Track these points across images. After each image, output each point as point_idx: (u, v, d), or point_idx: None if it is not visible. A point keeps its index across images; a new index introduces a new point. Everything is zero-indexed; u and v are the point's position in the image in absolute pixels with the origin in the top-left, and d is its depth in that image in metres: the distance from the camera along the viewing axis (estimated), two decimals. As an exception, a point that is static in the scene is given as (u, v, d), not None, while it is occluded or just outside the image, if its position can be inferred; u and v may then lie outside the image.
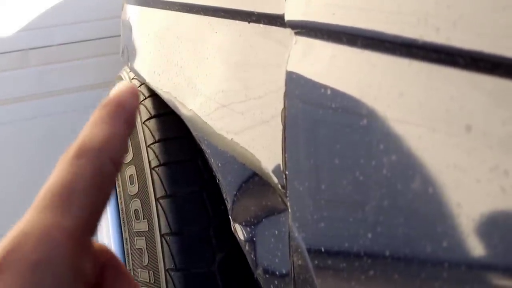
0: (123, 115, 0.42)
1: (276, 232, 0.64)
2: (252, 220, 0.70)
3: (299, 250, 0.56)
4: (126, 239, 1.10)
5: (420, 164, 0.38)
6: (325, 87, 0.49)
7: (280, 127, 0.58)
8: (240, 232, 0.73)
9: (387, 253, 0.42)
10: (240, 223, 0.73)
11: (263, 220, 0.67)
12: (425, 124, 0.38)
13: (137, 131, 1.08)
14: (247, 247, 0.71)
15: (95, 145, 0.39)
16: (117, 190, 1.15)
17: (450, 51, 0.35)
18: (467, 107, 0.35)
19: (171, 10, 0.93)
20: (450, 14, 0.35)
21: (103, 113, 0.42)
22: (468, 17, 0.34)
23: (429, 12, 0.37)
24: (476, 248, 0.34)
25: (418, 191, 0.38)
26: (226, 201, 0.76)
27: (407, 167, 0.39)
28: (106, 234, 1.18)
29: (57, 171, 0.39)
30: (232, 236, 0.76)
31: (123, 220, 1.11)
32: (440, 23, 0.36)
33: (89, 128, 0.41)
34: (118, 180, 1.14)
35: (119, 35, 1.35)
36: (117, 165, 0.40)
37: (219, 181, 0.78)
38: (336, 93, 0.48)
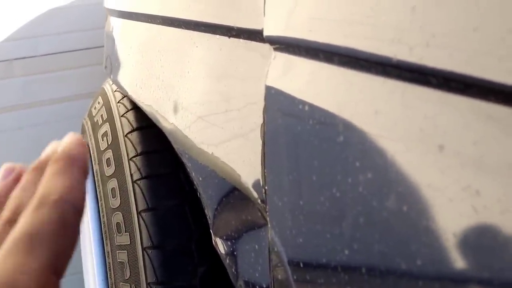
0: (76, 165, 0.43)
1: (257, 246, 0.64)
2: (232, 234, 0.70)
3: (278, 264, 0.56)
4: (108, 252, 1.09)
5: (395, 182, 0.38)
6: (303, 103, 0.49)
7: (260, 141, 0.58)
8: (220, 246, 0.73)
9: (363, 269, 0.43)
10: (220, 237, 0.73)
11: (244, 234, 0.67)
12: (400, 142, 0.38)
13: (119, 144, 1.08)
14: (228, 261, 0.71)
15: (54, 195, 0.40)
16: (99, 203, 1.15)
17: (423, 71, 0.35)
18: (440, 126, 0.35)
19: (153, 23, 0.93)
20: (423, 34, 0.35)
21: (57, 167, 0.43)
22: (440, 37, 0.34)
23: (403, 31, 0.37)
24: (449, 266, 0.34)
25: (393, 209, 0.38)
26: (207, 215, 0.76)
27: (382, 185, 0.40)
28: (88, 247, 1.17)
29: (21, 223, 0.39)
30: (214, 249, 0.76)
31: (105, 233, 1.10)
32: (414, 42, 0.36)
33: (46, 182, 0.42)
34: (100, 193, 1.14)
35: (104, 46, 1.34)
36: (79, 211, 0.41)
37: (200, 195, 0.78)
38: (313, 110, 0.48)
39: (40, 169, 0.45)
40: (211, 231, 0.76)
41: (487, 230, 0.31)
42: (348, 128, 0.43)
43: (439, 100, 0.35)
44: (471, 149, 0.32)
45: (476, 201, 0.32)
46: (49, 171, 0.43)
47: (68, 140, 0.46)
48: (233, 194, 0.68)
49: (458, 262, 0.33)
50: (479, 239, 0.32)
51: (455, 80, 0.33)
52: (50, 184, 0.41)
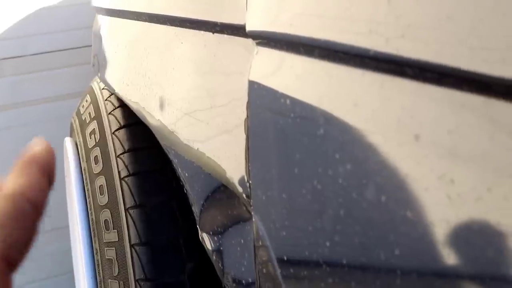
0: (35, 165, 0.42)
1: (242, 241, 0.64)
2: (218, 229, 0.70)
3: (263, 259, 0.57)
4: (96, 249, 1.09)
5: (374, 173, 0.39)
6: (285, 97, 0.49)
7: (244, 136, 0.58)
8: (207, 242, 0.73)
9: (344, 261, 0.43)
10: (207, 233, 0.73)
11: (229, 229, 0.68)
12: (378, 133, 0.38)
13: (107, 141, 1.08)
14: (214, 257, 0.71)
15: (11, 190, 0.40)
16: (87, 200, 1.15)
17: (399, 62, 0.36)
18: (417, 116, 0.35)
19: (139, 20, 0.93)
20: (398, 25, 0.35)
21: (15, 168, 0.42)
22: (415, 28, 0.34)
23: (379, 22, 0.37)
24: (426, 255, 0.34)
25: (372, 200, 0.39)
26: (193, 211, 0.76)
27: (361, 176, 0.40)
28: (78, 245, 1.17)
29: None
30: (202, 245, 0.76)
31: (93, 230, 1.11)
32: (389, 33, 0.36)
33: (7, 179, 0.41)
34: (88, 190, 1.14)
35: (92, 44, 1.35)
36: (36, 208, 0.40)
37: (187, 191, 0.78)
38: (295, 104, 0.48)
39: None
40: (197, 226, 0.76)
41: (462, 218, 0.32)
42: (328, 121, 0.44)
43: (415, 90, 0.35)
44: (446, 138, 0.33)
45: (450, 190, 0.32)
46: (10, 173, 0.43)
47: (32, 144, 0.45)
48: (219, 189, 0.68)
49: (435, 251, 0.34)
50: (454, 228, 0.32)
51: (430, 70, 0.34)
52: (8, 181, 0.41)
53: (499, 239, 0.29)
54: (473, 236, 0.31)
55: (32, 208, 0.39)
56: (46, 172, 0.43)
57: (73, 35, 2.15)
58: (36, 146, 0.45)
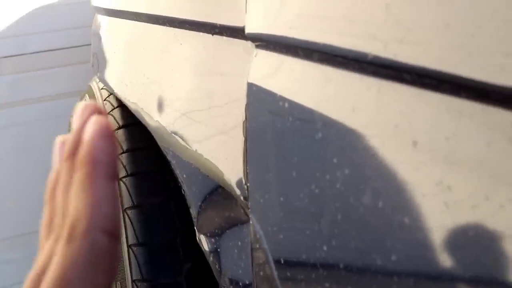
0: (102, 172, 0.41)
1: (239, 243, 0.64)
2: (216, 231, 0.70)
3: (261, 261, 0.57)
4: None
5: (371, 178, 0.39)
6: (284, 100, 0.49)
7: (242, 138, 0.58)
8: (204, 243, 0.73)
9: (341, 265, 0.43)
10: (204, 234, 0.73)
11: (227, 231, 0.68)
12: (376, 139, 0.38)
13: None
14: (211, 258, 0.71)
15: (83, 225, 0.39)
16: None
17: (398, 67, 0.36)
18: (414, 122, 0.35)
19: (138, 21, 0.93)
20: (397, 30, 0.35)
21: (82, 178, 0.41)
22: (413, 34, 0.34)
23: (378, 28, 0.37)
24: (423, 261, 0.34)
25: (369, 205, 0.39)
26: (191, 212, 0.76)
27: (359, 181, 0.40)
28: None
29: (53, 263, 0.39)
30: (199, 246, 0.76)
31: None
32: (388, 39, 0.36)
33: (75, 199, 0.40)
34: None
35: (91, 44, 1.35)
36: (111, 233, 0.39)
37: (184, 192, 0.78)
38: (293, 107, 0.48)
39: (71, 159, 0.43)
40: (195, 227, 0.76)
41: (459, 225, 0.32)
42: (326, 125, 0.44)
43: (413, 96, 0.35)
44: (443, 144, 0.33)
45: (447, 196, 0.32)
46: (76, 181, 0.41)
47: (92, 132, 0.42)
48: (217, 191, 0.68)
49: (432, 257, 0.34)
50: (451, 234, 0.32)
51: (428, 76, 0.34)
52: (77, 204, 0.40)
53: (495, 246, 0.29)
54: (469, 242, 0.31)
55: (106, 236, 0.39)
56: (112, 176, 0.41)
57: (72, 33, 2.15)
58: (95, 135, 0.42)
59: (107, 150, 0.41)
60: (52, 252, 0.39)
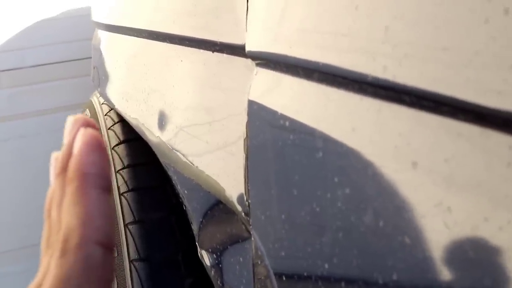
0: (93, 185, 0.41)
1: (241, 259, 0.64)
2: (217, 247, 0.71)
3: (262, 277, 0.57)
4: (95, 264, 1.09)
5: (372, 198, 0.39)
6: (284, 118, 0.50)
7: (243, 155, 0.59)
8: (206, 259, 0.74)
9: (342, 283, 0.43)
10: (206, 250, 0.74)
11: (228, 247, 0.68)
12: (376, 159, 0.39)
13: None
14: (213, 273, 0.72)
15: (76, 238, 0.39)
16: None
17: (397, 89, 0.36)
18: (414, 144, 0.36)
19: (139, 37, 0.94)
20: (396, 52, 0.36)
21: (73, 191, 0.40)
22: (412, 56, 0.35)
23: (377, 49, 0.38)
24: (423, 281, 0.35)
25: (370, 224, 0.39)
26: (192, 228, 0.77)
27: (360, 200, 0.40)
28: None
29: (48, 277, 0.38)
30: (201, 261, 0.76)
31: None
32: (387, 61, 0.37)
33: (67, 212, 0.40)
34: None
35: (91, 57, 1.35)
36: (106, 245, 0.39)
37: (185, 207, 0.78)
38: (294, 126, 0.49)
39: (63, 174, 0.43)
40: (196, 243, 0.76)
41: (459, 245, 0.32)
42: (327, 144, 0.44)
43: (412, 118, 0.36)
44: (443, 166, 0.33)
45: (447, 218, 0.33)
46: (68, 195, 0.41)
47: (80, 145, 0.42)
48: (218, 207, 0.69)
49: (432, 277, 0.34)
50: (451, 255, 0.33)
51: (427, 99, 0.34)
52: (69, 218, 0.40)
53: (495, 266, 0.30)
54: (469, 263, 0.31)
55: (101, 248, 0.39)
56: (104, 188, 0.41)
57: (71, 47, 2.16)
58: (84, 149, 0.42)
59: (96, 162, 0.41)
60: (48, 266, 0.39)
